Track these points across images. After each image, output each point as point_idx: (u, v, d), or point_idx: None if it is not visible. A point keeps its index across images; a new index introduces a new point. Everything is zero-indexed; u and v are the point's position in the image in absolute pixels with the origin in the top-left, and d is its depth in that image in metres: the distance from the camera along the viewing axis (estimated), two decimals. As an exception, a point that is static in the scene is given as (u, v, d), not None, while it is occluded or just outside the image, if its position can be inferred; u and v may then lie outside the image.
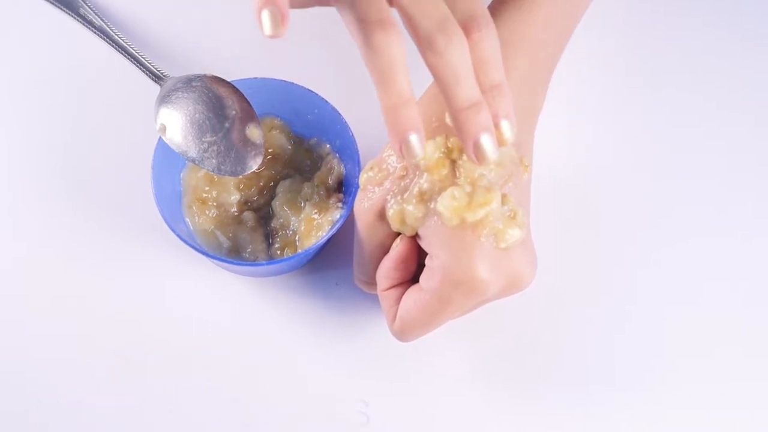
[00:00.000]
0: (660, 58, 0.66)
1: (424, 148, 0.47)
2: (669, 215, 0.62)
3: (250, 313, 0.59)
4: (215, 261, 0.57)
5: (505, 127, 0.48)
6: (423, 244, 0.51)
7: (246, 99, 0.57)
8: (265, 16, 0.46)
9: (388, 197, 0.52)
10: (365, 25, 0.46)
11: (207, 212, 0.59)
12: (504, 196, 0.51)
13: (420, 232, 0.51)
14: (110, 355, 0.58)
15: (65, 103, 0.64)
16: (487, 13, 0.48)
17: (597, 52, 0.66)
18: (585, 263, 0.60)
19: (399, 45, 0.46)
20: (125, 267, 0.60)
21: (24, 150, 0.63)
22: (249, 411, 0.57)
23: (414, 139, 0.47)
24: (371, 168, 0.53)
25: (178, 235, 0.55)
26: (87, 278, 0.60)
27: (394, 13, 0.47)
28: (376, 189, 0.53)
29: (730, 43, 0.66)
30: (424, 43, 0.46)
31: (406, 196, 0.51)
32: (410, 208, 0.51)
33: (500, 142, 0.48)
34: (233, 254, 0.58)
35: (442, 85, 0.47)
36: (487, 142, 0.48)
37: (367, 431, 0.57)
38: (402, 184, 0.52)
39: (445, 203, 0.50)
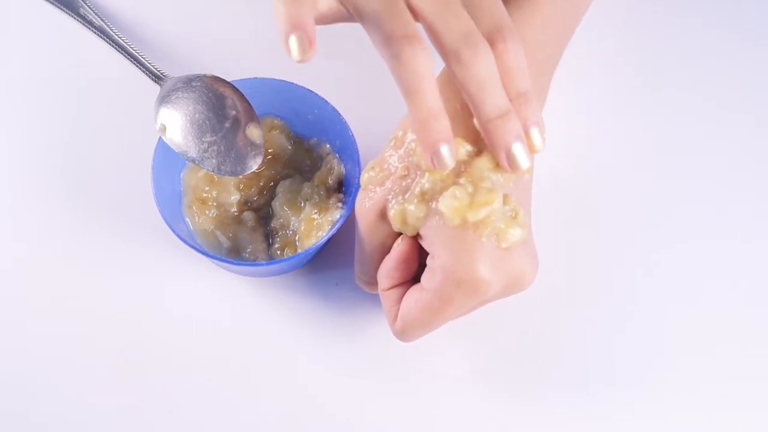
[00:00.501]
0: (660, 58, 0.66)
1: (455, 158, 0.48)
2: (669, 215, 0.62)
3: (250, 313, 0.59)
4: (215, 261, 0.57)
5: (535, 134, 0.50)
6: (424, 244, 0.51)
7: (246, 99, 0.57)
8: (293, 41, 0.47)
9: (390, 197, 0.52)
10: (392, 42, 0.46)
11: (207, 212, 0.59)
12: (505, 196, 0.51)
13: (421, 232, 0.51)
14: (110, 355, 0.58)
15: (65, 103, 0.64)
16: (511, 23, 0.49)
17: (597, 52, 0.66)
18: (585, 263, 0.60)
19: (426, 59, 0.46)
20: (125, 267, 0.60)
21: (24, 150, 0.63)
22: (249, 411, 0.57)
23: (445, 150, 0.48)
24: (372, 168, 0.53)
25: (178, 235, 0.55)
26: (87, 278, 0.60)
27: (419, 27, 0.47)
28: (378, 189, 0.53)
29: (730, 43, 0.66)
30: (451, 56, 0.47)
31: (407, 196, 0.51)
32: (411, 208, 0.51)
33: (531, 149, 0.50)
34: (233, 254, 0.58)
35: (469, 96, 0.48)
36: (519, 150, 0.49)
37: (368, 431, 0.57)
38: (403, 183, 0.52)
39: (446, 203, 0.50)
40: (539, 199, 0.56)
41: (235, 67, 0.61)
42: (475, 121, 0.50)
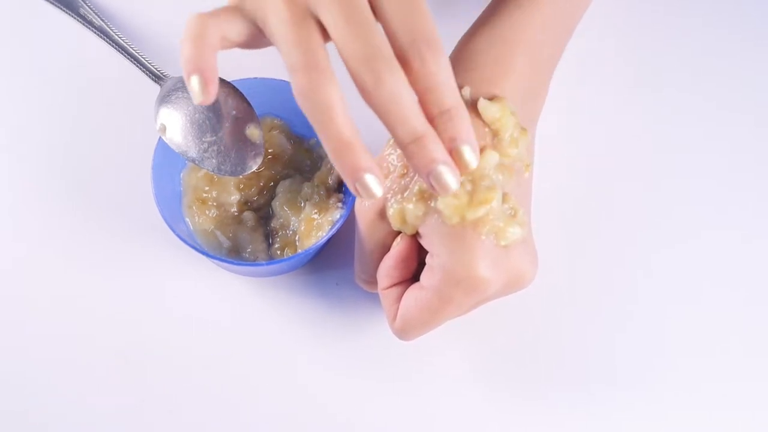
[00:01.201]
0: (660, 58, 0.66)
1: (381, 184, 0.45)
2: (669, 215, 0.62)
3: (250, 313, 0.59)
4: (215, 261, 0.57)
5: (467, 151, 0.46)
6: (424, 243, 0.51)
7: (246, 99, 0.57)
8: (193, 83, 0.46)
9: (389, 196, 0.52)
10: (294, 73, 0.45)
11: (207, 212, 0.59)
12: (505, 195, 0.51)
13: (420, 231, 0.51)
14: (110, 355, 0.58)
15: (65, 103, 0.64)
16: (432, 33, 0.45)
17: (597, 52, 0.66)
18: (585, 263, 0.60)
19: (329, 88, 0.44)
20: (125, 267, 0.60)
21: (24, 150, 0.63)
22: (249, 411, 0.57)
23: (367, 179, 0.45)
24: (371, 167, 0.53)
25: (178, 235, 0.55)
26: (87, 278, 0.60)
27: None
28: (377, 188, 0.52)
29: (730, 43, 0.66)
30: (355, 80, 0.45)
31: (406, 194, 0.51)
32: (410, 206, 0.51)
33: (462, 168, 0.46)
34: (233, 254, 0.58)
35: (382, 121, 0.45)
36: (443, 172, 0.45)
37: (368, 431, 0.57)
38: (402, 182, 0.52)
39: (445, 201, 0.50)
40: (539, 199, 0.56)
41: (235, 67, 0.61)
42: None
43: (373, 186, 0.45)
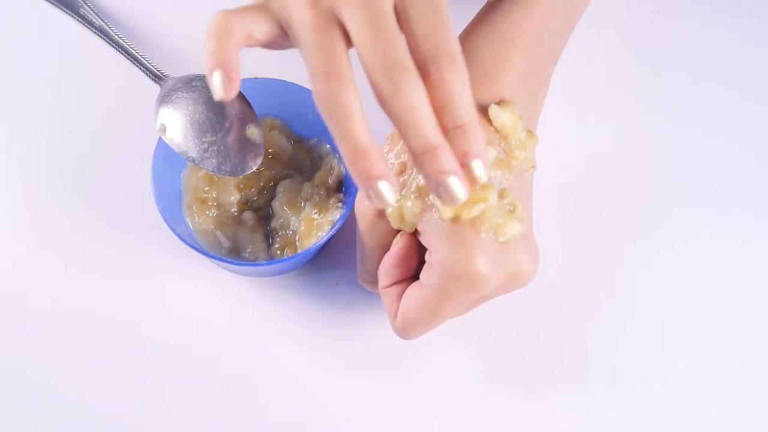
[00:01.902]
0: (660, 58, 0.66)
1: (394, 191, 0.46)
2: (669, 215, 0.62)
3: (250, 313, 0.59)
4: (215, 261, 0.57)
5: (477, 165, 0.46)
6: (423, 240, 0.51)
7: (246, 99, 0.57)
8: (215, 78, 0.47)
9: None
10: (315, 78, 0.46)
11: (207, 212, 0.59)
12: (503, 190, 0.51)
13: (419, 228, 0.51)
14: (110, 355, 0.58)
15: (65, 103, 0.64)
16: (453, 47, 0.46)
17: (597, 52, 0.66)
18: (586, 262, 0.60)
19: (347, 96, 0.45)
20: (125, 267, 0.60)
21: (24, 150, 0.63)
22: (249, 411, 0.57)
23: (381, 186, 0.45)
24: (370, 165, 0.53)
25: (178, 235, 0.55)
26: (87, 278, 0.60)
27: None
28: (376, 187, 0.52)
29: (730, 43, 0.66)
30: (374, 88, 0.45)
31: (404, 192, 0.51)
32: (408, 204, 0.51)
33: (471, 181, 0.46)
34: (233, 254, 0.58)
35: (397, 129, 0.46)
36: (452, 184, 0.46)
37: (368, 431, 0.57)
38: (400, 180, 0.52)
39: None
40: (539, 198, 0.56)
41: (236, 67, 0.61)
42: None
43: (387, 193, 0.46)
